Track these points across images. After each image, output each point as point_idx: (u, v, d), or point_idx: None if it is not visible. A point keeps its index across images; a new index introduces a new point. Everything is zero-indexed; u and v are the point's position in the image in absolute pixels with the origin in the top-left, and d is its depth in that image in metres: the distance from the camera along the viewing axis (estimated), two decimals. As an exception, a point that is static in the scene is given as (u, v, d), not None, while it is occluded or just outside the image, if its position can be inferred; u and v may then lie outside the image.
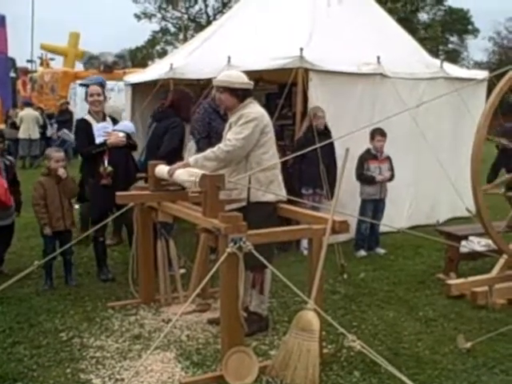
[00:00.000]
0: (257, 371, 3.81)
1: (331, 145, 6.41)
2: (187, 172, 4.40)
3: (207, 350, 4.39)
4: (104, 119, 6.05)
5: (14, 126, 16.93)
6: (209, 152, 4.43)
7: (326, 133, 6.89)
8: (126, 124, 6.42)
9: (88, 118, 6.00)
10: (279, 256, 6.57)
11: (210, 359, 4.23)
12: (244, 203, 4.46)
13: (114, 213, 5.47)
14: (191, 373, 4.04)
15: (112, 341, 4.57)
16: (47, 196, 5.71)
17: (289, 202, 4.76)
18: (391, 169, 7.19)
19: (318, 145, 5.51)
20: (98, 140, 5.90)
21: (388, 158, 7.19)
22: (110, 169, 5.82)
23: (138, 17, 42.40)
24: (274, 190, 4.52)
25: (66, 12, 65.26)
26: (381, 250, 7.22)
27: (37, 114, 17.16)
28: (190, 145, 8.32)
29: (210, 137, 6.66)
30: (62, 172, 5.74)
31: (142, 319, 5.03)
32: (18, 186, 6.30)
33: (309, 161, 6.65)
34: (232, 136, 4.41)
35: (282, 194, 4.62)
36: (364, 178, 7.05)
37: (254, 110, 4.52)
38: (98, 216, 5.64)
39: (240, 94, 4.52)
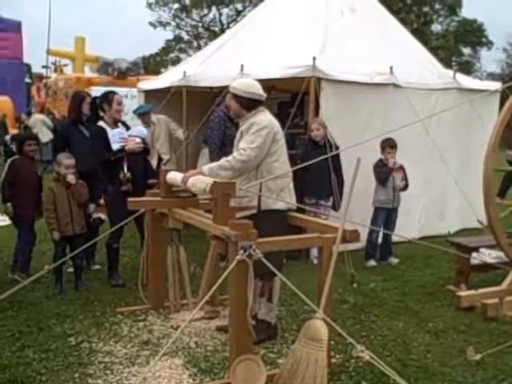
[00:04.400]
0: (264, 380, 3.79)
1: (332, 157, 6.41)
2: (201, 180, 4.41)
3: (215, 357, 4.39)
4: (116, 125, 6.07)
5: (25, 129, 16.86)
6: (224, 161, 4.43)
7: (321, 146, 6.87)
8: (141, 129, 6.45)
9: (102, 124, 6.01)
10: (289, 264, 6.57)
11: (218, 367, 4.23)
12: (254, 211, 4.46)
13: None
14: (199, 380, 4.04)
15: (120, 346, 4.58)
16: (56, 201, 5.76)
17: (298, 210, 4.76)
18: (405, 178, 7.17)
19: (321, 157, 5.51)
20: (115, 146, 5.89)
21: (401, 168, 7.17)
22: (128, 175, 5.85)
23: (153, 25, 42.67)
24: (285, 198, 4.53)
25: (82, 19, 65.62)
26: (394, 260, 7.19)
27: (43, 116, 17.06)
28: (203, 152, 8.41)
29: (225, 145, 6.71)
30: (71, 178, 5.79)
31: (151, 325, 5.04)
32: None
33: (312, 172, 6.62)
34: (246, 145, 4.41)
35: (293, 202, 4.62)
36: (380, 170, 7.02)
37: (265, 117, 4.53)
38: (118, 223, 5.26)
39: (244, 103, 4.54)
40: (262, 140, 4.41)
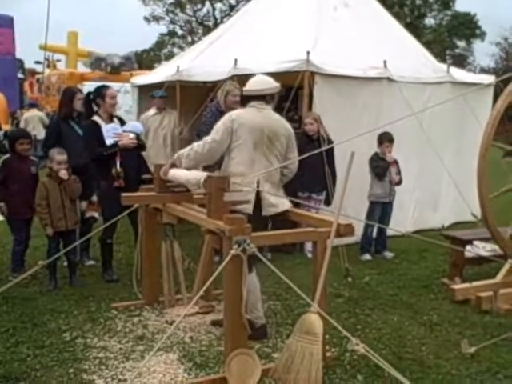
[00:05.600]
0: (259, 374, 3.79)
1: (326, 151, 6.40)
2: (178, 172, 4.48)
3: (210, 351, 4.39)
4: (111, 120, 6.04)
5: (17, 127, 16.75)
6: (187, 149, 4.58)
7: (313, 140, 6.87)
8: (135, 125, 6.41)
9: (96, 119, 5.97)
10: (283, 259, 6.58)
11: (213, 361, 4.23)
12: None
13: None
14: (194, 374, 4.04)
15: (115, 341, 4.57)
16: (49, 197, 5.74)
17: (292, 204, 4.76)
18: (399, 173, 7.18)
19: (314, 151, 5.50)
20: (108, 141, 5.86)
21: (396, 162, 7.18)
22: (119, 170, 5.83)
23: (147, 19, 42.58)
24: (236, 198, 4.30)
25: (75, 14, 65.34)
26: (389, 254, 7.19)
27: (41, 114, 16.98)
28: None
29: None
30: (63, 174, 5.77)
31: (146, 320, 5.03)
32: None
33: (305, 166, 6.59)
34: (207, 137, 4.52)
35: (244, 204, 4.37)
36: (377, 164, 7.00)
37: (238, 112, 4.57)
38: (111, 218, 5.24)
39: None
40: (219, 134, 4.44)
